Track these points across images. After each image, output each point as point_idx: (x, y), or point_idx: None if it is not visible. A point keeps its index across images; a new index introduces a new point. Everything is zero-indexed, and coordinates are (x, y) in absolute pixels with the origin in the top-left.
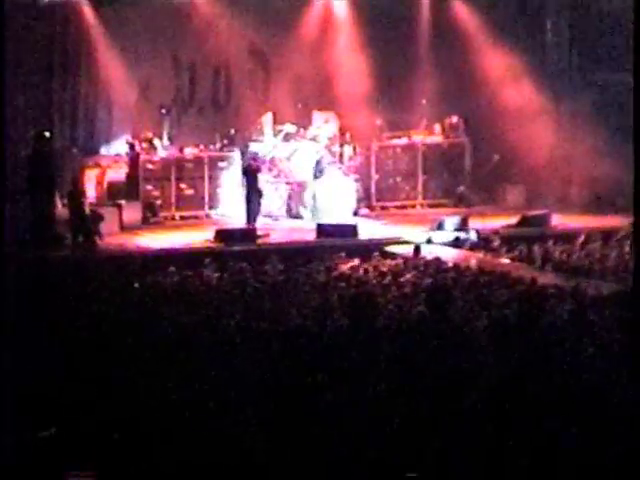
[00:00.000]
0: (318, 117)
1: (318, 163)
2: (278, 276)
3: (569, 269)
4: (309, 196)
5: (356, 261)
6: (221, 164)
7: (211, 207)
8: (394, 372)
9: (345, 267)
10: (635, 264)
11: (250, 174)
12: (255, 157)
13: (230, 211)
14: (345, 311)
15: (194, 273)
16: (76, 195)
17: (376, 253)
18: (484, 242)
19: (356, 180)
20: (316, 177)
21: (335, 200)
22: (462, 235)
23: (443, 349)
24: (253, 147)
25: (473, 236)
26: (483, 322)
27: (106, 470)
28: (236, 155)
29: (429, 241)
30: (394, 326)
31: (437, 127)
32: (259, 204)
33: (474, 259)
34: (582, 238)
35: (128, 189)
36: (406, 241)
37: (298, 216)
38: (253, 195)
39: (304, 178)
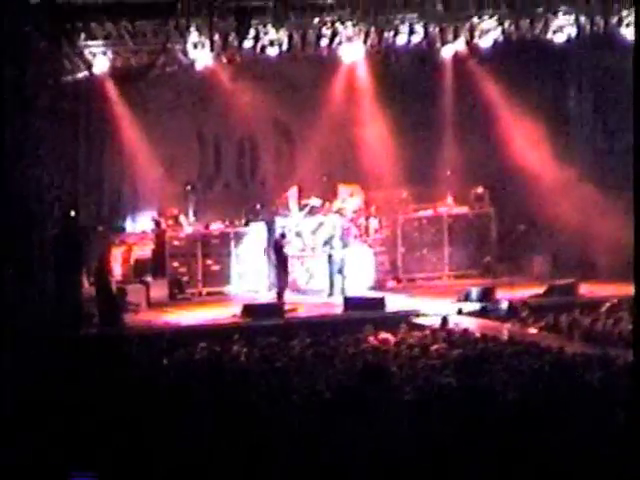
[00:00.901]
0: (343, 190)
1: (342, 236)
2: (306, 350)
3: (597, 338)
4: (335, 269)
5: (384, 334)
6: (247, 239)
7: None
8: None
9: (373, 340)
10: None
11: (278, 250)
12: (283, 233)
13: (256, 286)
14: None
15: (222, 349)
16: (103, 273)
17: (404, 325)
18: (512, 312)
19: (382, 253)
20: (341, 248)
21: (361, 273)
22: (490, 305)
23: (473, 420)
24: (279, 222)
25: (504, 306)
26: (513, 394)
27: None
28: (262, 230)
29: (459, 312)
30: (423, 398)
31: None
32: (287, 279)
33: (504, 329)
34: (608, 306)
35: (154, 266)
36: (433, 313)
37: (325, 290)
38: (281, 271)
39: (330, 252)
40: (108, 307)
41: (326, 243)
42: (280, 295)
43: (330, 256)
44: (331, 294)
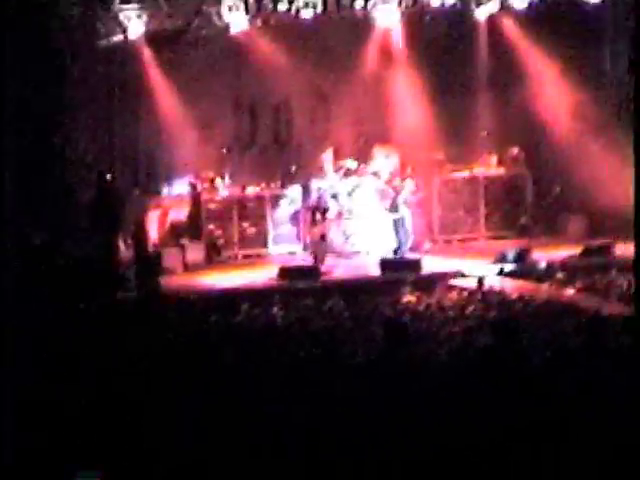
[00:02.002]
0: (379, 152)
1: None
2: (343, 312)
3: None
4: (374, 231)
5: (420, 295)
6: (283, 202)
7: (274, 244)
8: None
9: (410, 301)
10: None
11: (316, 213)
12: (321, 196)
13: (292, 248)
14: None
15: (259, 311)
16: (140, 237)
17: (440, 286)
18: (548, 273)
19: (418, 214)
20: (391, 212)
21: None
22: (527, 266)
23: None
24: (315, 184)
25: (540, 267)
26: (549, 353)
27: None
28: (298, 192)
29: (499, 273)
30: (459, 358)
31: (494, 158)
32: (325, 243)
33: (541, 290)
34: None
35: (190, 229)
36: (470, 274)
37: (363, 251)
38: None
39: (366, 213)
40: (145, 271)
41: (392, 208)
42: (319, 259)
43: (396, 220)
44: (396, 252)
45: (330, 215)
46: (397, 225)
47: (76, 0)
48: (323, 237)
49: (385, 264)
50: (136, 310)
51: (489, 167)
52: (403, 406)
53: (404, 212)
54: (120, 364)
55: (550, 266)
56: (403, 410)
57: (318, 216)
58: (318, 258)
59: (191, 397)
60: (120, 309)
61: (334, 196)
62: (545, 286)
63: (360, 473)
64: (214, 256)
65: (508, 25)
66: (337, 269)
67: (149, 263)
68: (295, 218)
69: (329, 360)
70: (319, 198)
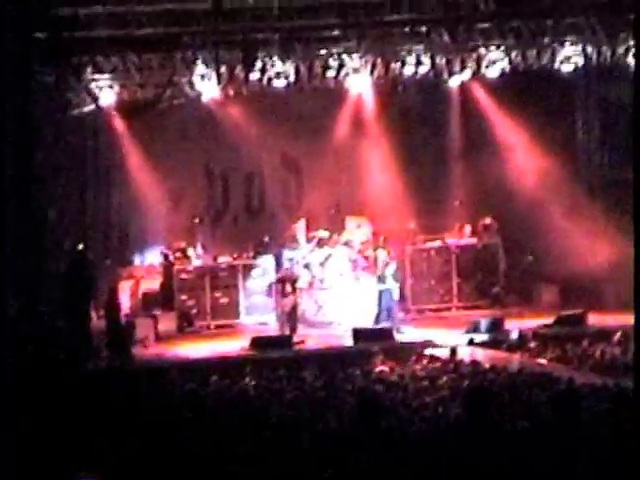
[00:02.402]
0: (351, 222)
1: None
2: (316, 382)
3: (607, 368)
4: (344, 301)
5: (393, 365)
6: (255, 272)
7: (246, 314)
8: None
9: (382, 371)
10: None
11: (286, 284)
12: (292, 266)
13: (265, 319)
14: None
15: (232, 382)
16: (112, 307)
17: (413, 356)
18: (521, 342)
19: None
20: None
21: (370, 304)
22: (500, 336)
23: (483, 452)
24: (287, 254)
25: (513, 336)
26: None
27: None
28: (270, 263)
29: (469, 343)
30: (432, 429)
31: (467, 228)
32: (296, 313)
33: (514, 360)
34: (617, 336)
35: (163, 299)
36: (442, 344)
37: (334, 322)
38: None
39: (339, 284)
40: (117, 341)
41: (380, 279)
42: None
43: (382, 291)
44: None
45: (302, 285)
46: (383, 297)
47: (49, 68)
48: (294, 308)
49: (358, 333)
50: (107, 381)
51: (462, 237)
52: (376, 476)
53: (391, 284)
54: (91, 435)
55: (522, 335)
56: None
57: (288, 287)
58: (289, 328)
59: (163, 466)
60: (92, 380)
61: (306, 266)
62: (517, 356)
63: None
64: (186, 326)
65: (480, 94)
66: (310, 339)
67: (121, 333)
68: (269, 289)
69: (302, 430)
70: (287, 269)
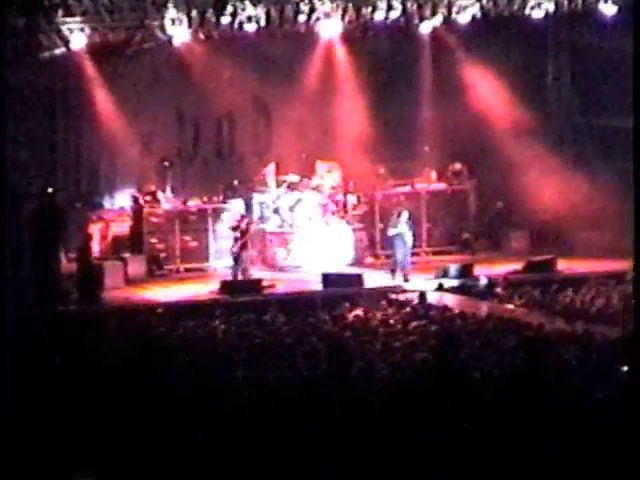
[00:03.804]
0: (321, 167)
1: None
2: (284, 326)
3: (575, 314)
4: (313, 246)
5: (362, 310)
6: (225, 216)
7: (215, 258)
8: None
9: (351, 316)
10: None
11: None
12: (243, 216)
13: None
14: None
15: (201, 325)
16: (86, 251)
17: (382, 301)
18: (491, 288)
19: (360, 229)
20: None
21: (339, 249)
22: (469, 281)
23: (449, 397)
24: (257, 198)
25: (483, 282)
26: (491, 369)
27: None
28: (240, 206)
29: (440, 287)
30: (400, 374)
31: (433, 173)
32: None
33: (483, 306)
34: (587, 282)
35: (132, 242)
36: (412, 289)
37: (303, 266)
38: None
39: (308, 228)
40: (87, 284)
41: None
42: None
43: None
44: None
45: (271, 229)
46: (396, 242)
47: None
48: (240, 251)
49: (327, 278)
50: (77, 323)
51: (431, 182)
52: (341, 419)
53: (403, 229)
54: (60, 378)
55: (492, 281)
56: (340, 422)
57: (238, 234)
58: (238, 274)
59: (131, 411)
60: (61, 321)
61: (276, 210)
62: (487, 302)
63: None
64: (155, 269)
65: (451, 40)
66: (279, 283)
67: (91, 276)
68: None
69: (269, 374)
70: (239, 219)
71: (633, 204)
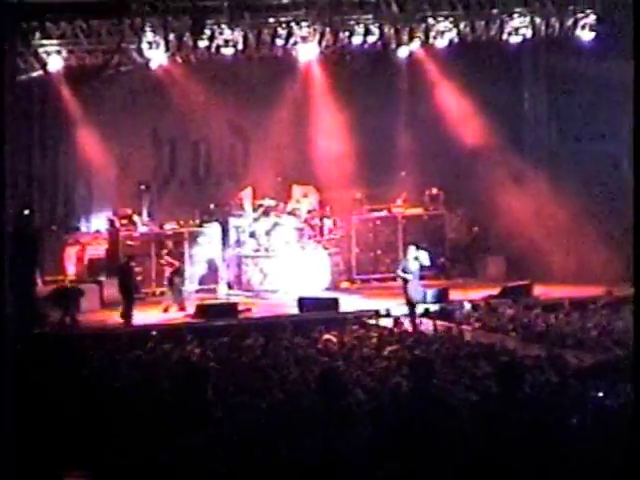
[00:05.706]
0: (297, 191)
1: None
2: (259, 350)
3: (551, 339)
4: (289, 270)
5: (337, 334)
6: (201, 239)
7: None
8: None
9: (326, 341)
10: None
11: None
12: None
13: (209, 286)
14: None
15: (176, 349)
16: (58, 273)
17: (357, 326)
18: (466, 313)
19: (336, 253)
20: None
21: (315, 273)
22: (445, 307)
23: (424, 422)
24: (233, 222)
25: (458, 307)
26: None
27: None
28: (216, 230)
29: (426, 313)
30: (374, 400)
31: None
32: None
33: (458, 330)
34: (562, 308)
35: (108, 265)
36: (387, 314)
37: (279, 290)
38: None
39: (284, 253)
40: (62, 307)
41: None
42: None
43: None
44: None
45: (248, 253)
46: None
47: None
48: (172, 280)
49: (302, 302)
50: (52, 346)
51: (407, 207)
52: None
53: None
54: (34, 401)
55: (468, 306)
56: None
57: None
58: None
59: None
60: (36, 345)
61: (252, 234)
62: (462, 326)
63: None
64: None
65: (428, 65)
66: (255, 307)
67: (66, 299)
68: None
69: (247, 399)
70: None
71: (633, 205)
